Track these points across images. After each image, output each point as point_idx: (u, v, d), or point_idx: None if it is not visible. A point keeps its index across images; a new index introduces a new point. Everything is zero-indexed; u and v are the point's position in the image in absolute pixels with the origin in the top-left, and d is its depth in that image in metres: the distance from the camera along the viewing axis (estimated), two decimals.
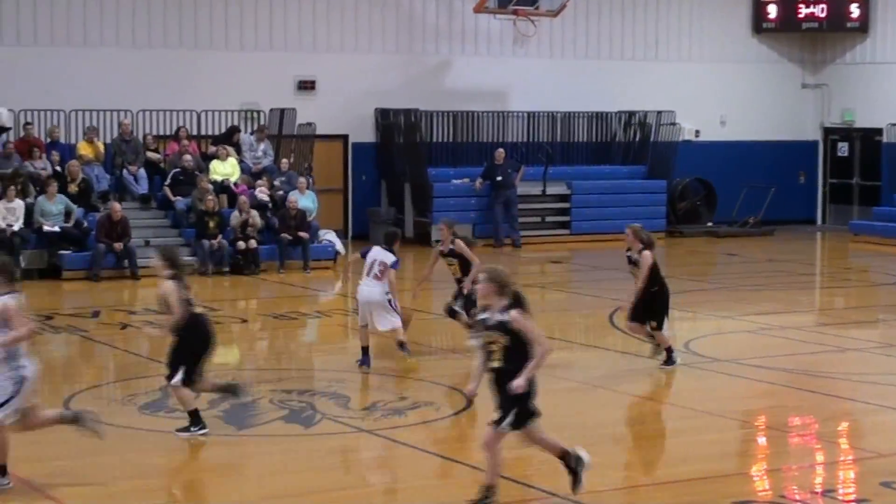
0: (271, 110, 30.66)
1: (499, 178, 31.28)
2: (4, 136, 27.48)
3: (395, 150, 32.46)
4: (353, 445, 12.76)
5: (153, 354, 17.49)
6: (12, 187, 25.44)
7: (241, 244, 26.04)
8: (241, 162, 28.72)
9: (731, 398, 14.82)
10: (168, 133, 29.59)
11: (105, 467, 11.39)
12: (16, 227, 25.02)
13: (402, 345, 15.85)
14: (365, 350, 15.91)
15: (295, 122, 30.48)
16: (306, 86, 32.10)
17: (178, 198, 27.23)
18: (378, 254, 15.76)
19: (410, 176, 32.02)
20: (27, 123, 27.96)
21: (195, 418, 12.54)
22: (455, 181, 31.88)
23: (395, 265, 15.77)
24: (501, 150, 31.76)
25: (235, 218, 26.40)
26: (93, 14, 29.98)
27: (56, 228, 25.37)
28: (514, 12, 32.16)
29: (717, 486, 11.08)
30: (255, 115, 30.72)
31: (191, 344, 12.62)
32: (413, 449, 12.15)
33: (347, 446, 12.72)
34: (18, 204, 25.32)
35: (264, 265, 26.32)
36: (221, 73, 30.75)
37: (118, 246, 25.13)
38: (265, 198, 27.53)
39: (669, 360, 15.88)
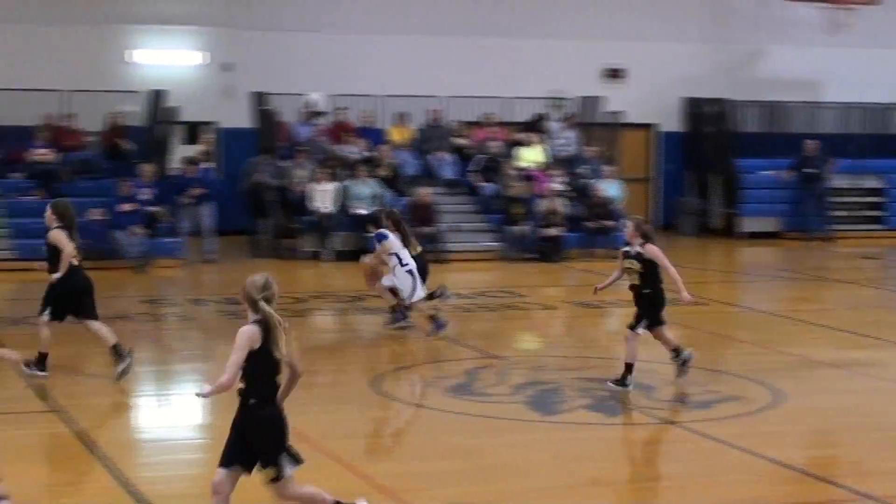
0: (579, 98, 30.60)
1: (810, 171, 30.43)
2: (319, 119, 28.25)
3: (703, 139, 31.97)
4: (658, 437, 12.58)
5: (460, 337, 17.69)
6: (324, 170, 26.13)
7: (547, 231, 26.08)
8: (547, 149, 28.77)
9: None
10: (476, 119, 29.88)
11: (412, 446, 11.55)
12: (327, 210, 25.69)
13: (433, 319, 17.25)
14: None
15: (602, 110, 30.35)
16: (614, 74, 31.95)
17: (485, 183, 27.47)
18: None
19: (718, 166, 31.48)
20: (341, 108, 28.65)
21: (41, 362, 13.75)
22: (764, 172, 31.16)
23: (377, 238, 17.16)
24: (813, 141, 30.86)
25: (541, 205, 26.46)
26: (406, 1, 30.55)
27: (366, 212, 25.92)
28: (832, 0, 31.17)
29: None
30: (563, 102, 30.70)
31: (65, 290, 13.98)
32: (719, 443, 11.88)
33: (652, 437, 12.55)
34: (330, 187, 25.99)
35: (569, 253, 26.31)
36: (530, 60, 30.89)
37: (426, 230, 25.48)
38: (560, 187, 27.42)
39: (682, 362, 14.29)
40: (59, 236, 14.24)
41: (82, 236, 23.80)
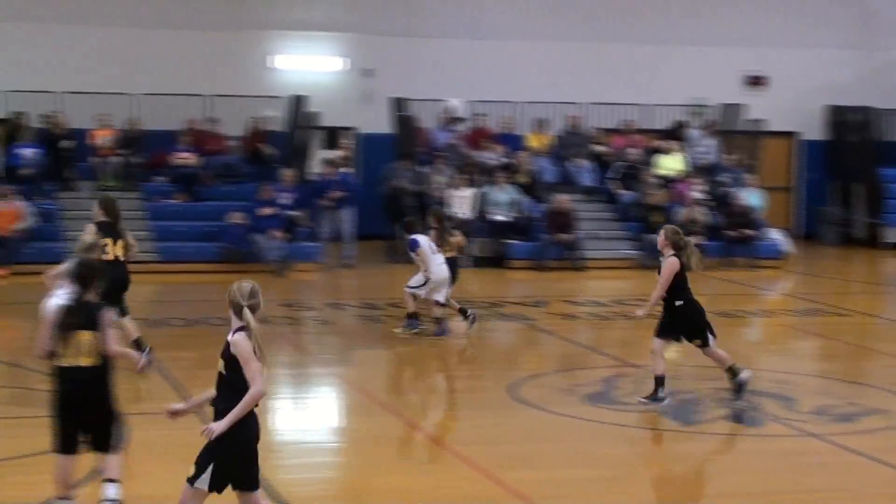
0: (719, 105, 30.27)
1: None
2: (458, 125, 28.31)
3: (846, 148, 31.41)
4: (800, 449, 12.32)
5: (597, 345, 17.59)
6: (462, 176, 26.17)
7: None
8: (687, 157, 28.49)
9: None
10: (615, 126, 29.70)
11: (550, 454, 11.47)
12: (465, 216, 25.72)
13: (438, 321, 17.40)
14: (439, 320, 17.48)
15: (743, 118, 29.99)
16: (755, 81, 31.55)
17: (624, 191, 27.29)
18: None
19: (861, 176, 30.90)
20: (479, 114, 28.69)
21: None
22: None
23: (409, 246, 17.38)
24: None
25: (681, 213, 26.20)
26: (547, 8, 30.55)
27: (504, 218, 25.91)
28: None
29: None
30: (703, 109, 30.40)
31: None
32: (863, 457, 11.62)
33: (793, 449, 12.30)
34: (468, 193, 26.02)
35: (709, 262, 25.98)
36: (670, 67, 30.66)
37: (563, 237, 25.43)
38: (699, 195, 27.12)
39: (737, 385, 13.46)
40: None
41: (223, 240, 24.36)
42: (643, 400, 13.27)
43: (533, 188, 26.86)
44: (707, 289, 24.18)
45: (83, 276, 8.96)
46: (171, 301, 21.26)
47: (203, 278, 23.51)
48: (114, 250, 14.53)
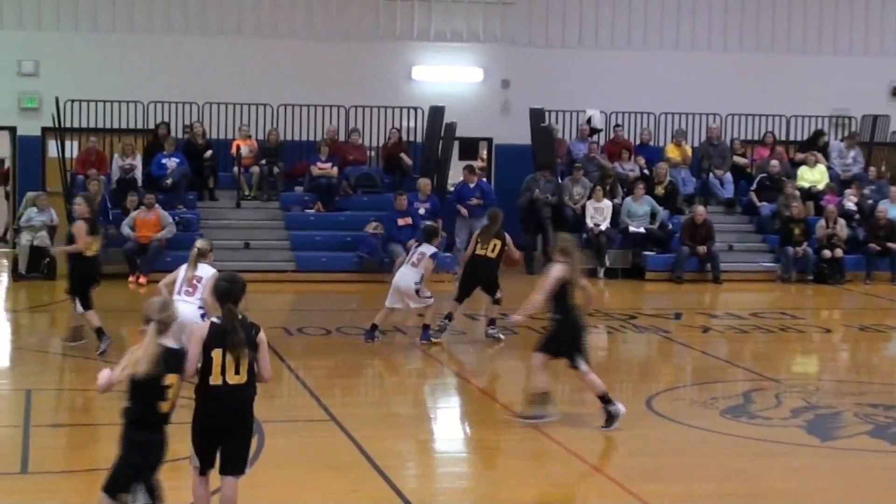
0: (863, 117, 29.75)
1: None
2: (596, 137, 28.19)
3: None
4: None
5: (734, 358, 17.40)
6: (601, 188, 26.04)
7: (827, 253, 25.40)
8: (829, 169, 28.03)
9: None
10: (755, 137, 29.34)
11: (688, 467, 11.35)
12: (603, 227, 25.60)
13: (425, 328, 17.24)
14: (374, 327, 17.29)
15: (888, 130, 29.43)
16: None
17: (764, 203, 26.95)
18: (420, 247, 17.34)
19: None
20: (617, 125, 28.55)
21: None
22: None
23: (434, 255, 17.26)
24: None
25: (821, 227, 25.79)
26: (685, 18, 30.34)
27: (641, 229, 25.73)
28: None
29: None
30: (846, 121, 29.91)
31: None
32: None
33: None
34: (606, 204, 25.88)
35: (849, 275, 25.55)
36: (812, 77, 30.18)
37: (702, 249, 25.18)
38: (853, 206, 26.71)
39: (608, 414, 12.58)
40: (78, 228, 15.99)
41: (360, 249, 24.53)
42: (526, 420, 12.66)
43: (671, 199, 26.63)
44: (849, 303, 23.85)
45: (231, 291, 8.65)
46: (308, 310, 21.45)
47: (339, 288, 23.69)
48: (94, 246, 16.18)
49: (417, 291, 17.02)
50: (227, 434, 8.57)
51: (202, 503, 8.73)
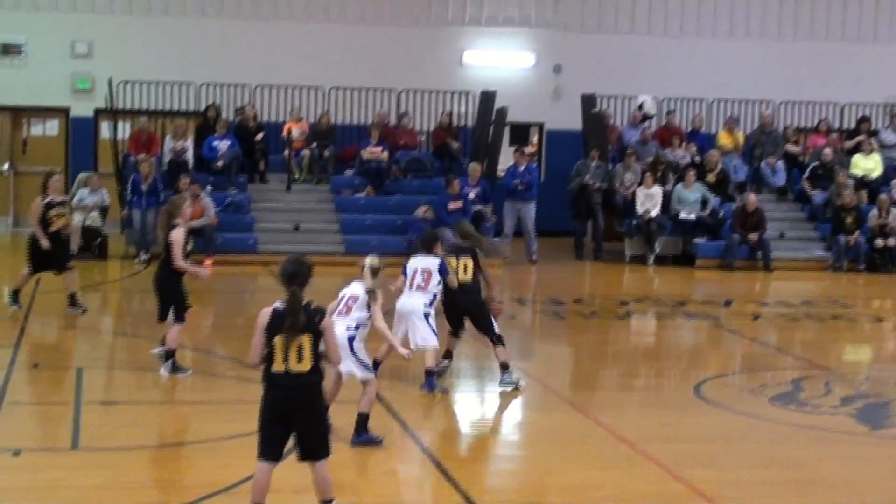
0: None
1: None
2: (648, 123, 28.07)
3: None
4: None
5: (784, 346, 17.31)
6: (651, 174, 25.94)
7: (879, 242, 25.20)
8: (882, 158, 27.80)
9: None
10: (809, 125, 29.15)
11: (735, 454, 11.29)
12: (653, 214, 25.50)
13: (429, 374, 13.35)
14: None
15: None
16: None
17: (817, 191, 26.76)
18: (420, 262, 13.49)
19: None
20: (669, 112, 28.43)
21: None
22: None
23: (443, 270, 13.43)
24: None
25: (874, 216, 25.58)
26: (738, 5, 30.20)
27: (692, 216, 25.60)
28: None
29: None
30: None
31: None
32: None
33: None
34: (657, 191, 25.78)
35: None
36: (866, 65, 29.95)
37: (753, 237, 25.04)
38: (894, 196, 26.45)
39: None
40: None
41: (409, 233, 24.57)
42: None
43: (722, 187, 26.49)
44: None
45: (297, 274, 8.52)
46: None
47: (389, 272, 23.64)
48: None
49: (427, 317, 13.35)
50: (292, 422, 8.45)
51: (259, 489, 8.58)
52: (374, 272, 11.36)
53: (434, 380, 13.36)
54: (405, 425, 11.77)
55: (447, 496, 9.76)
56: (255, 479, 8.61)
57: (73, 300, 17.42)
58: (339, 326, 10.67)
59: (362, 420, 10.91)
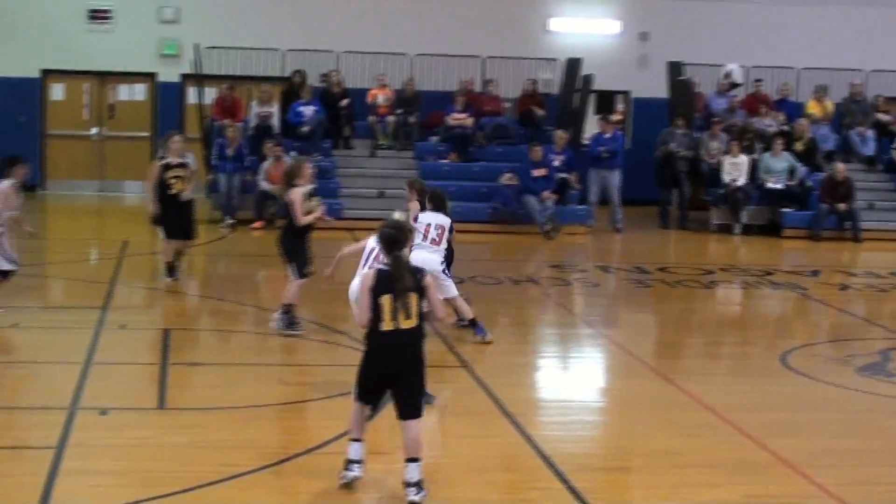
0: None
1: None
2: (735, 91, 27.78)
3: None
4: None
5: (872, 317, 17.10)
6: (738, 143, 25.67)
7: None
8: None
9: None
10: None
11: (818, 423, 11.20)
12: (739, 183, 25.26)
13: (473, 323, 13.82)
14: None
15: None
16: None
17: None
18: (433, 217, 13.63)
19: None
20: (757, 80, 28.11)
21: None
22: None
23: (452, 229, 13.79)
24: None
25: None
26: None
27: (779, 186, 25.33)
28: None
29: None
30: None
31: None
32: None
33: None
34: (743, 160, 25.52)
35: None
36: None
37: (841, 207, 24.73)
38: None
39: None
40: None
41: (494, 200, 24.51)
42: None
43: (810, 156, 26.15)
44: None
45: (398, 239, 8.78)
46: (505, 260, 21.50)
47: (473, 238, 23.69)
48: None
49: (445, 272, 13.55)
50: (398, 377, 8.69)
51: (358, 424, 8.91)
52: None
53: (481, 325, 13.86)
54: (487, 390, 11.76)
55: (529, 461, 9.75)
56: (353, 417, 8.92)
57: (171, 267, 17.28)
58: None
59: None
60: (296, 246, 14.04)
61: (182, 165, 17.10)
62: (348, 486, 8.82)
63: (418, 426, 8.72)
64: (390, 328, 8.62)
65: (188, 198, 17.14)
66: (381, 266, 8.86)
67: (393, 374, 8.69)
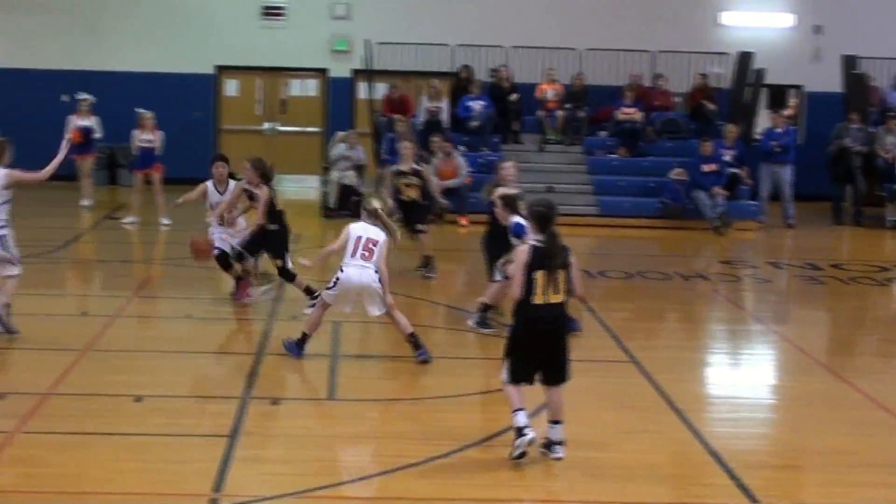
0: None
1: None
2: None
3: None
4: None
5: None
6: None
7: None
8: None
9: None
10: None
11: None
12: None
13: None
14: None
15: None
16: None
17: None
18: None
19: None
20: None
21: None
22: None
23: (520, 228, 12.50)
24: None
25: None
26: None
27: None
28: None
29: None
30: None
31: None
32: None
33: None
34: None
35: None
36: None
37: None
38: None
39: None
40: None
41: (663, 195, 24.32)
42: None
43: None
44: None
45: (550, 217, 9.33)
46: (609, 254, 21.41)
47: (641, 233, 23.60)
48: None
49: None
50: (549, 347, 9.30)
51: (517, 398, 9.29)
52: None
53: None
54: (655, 385, 11.70)
55: (698, 457, 9.67)
56: (511, 398, 9.32)
57: (426, 262, 17.52)
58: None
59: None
60: (497, 245, 13.85)
61: (415, 173, 17.48)
62: (523, 454, 9.15)
63: (562, 391, 9.40)
64: (541, 301, 9.19)
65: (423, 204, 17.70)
66: (535, 243, 9.28)
67: (544, 342, 9.26)
